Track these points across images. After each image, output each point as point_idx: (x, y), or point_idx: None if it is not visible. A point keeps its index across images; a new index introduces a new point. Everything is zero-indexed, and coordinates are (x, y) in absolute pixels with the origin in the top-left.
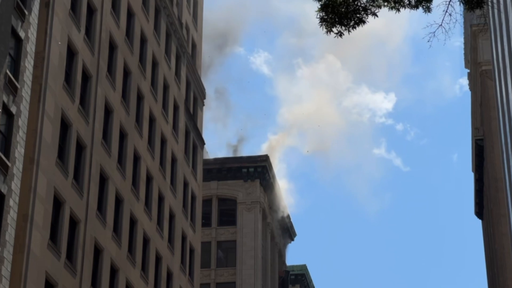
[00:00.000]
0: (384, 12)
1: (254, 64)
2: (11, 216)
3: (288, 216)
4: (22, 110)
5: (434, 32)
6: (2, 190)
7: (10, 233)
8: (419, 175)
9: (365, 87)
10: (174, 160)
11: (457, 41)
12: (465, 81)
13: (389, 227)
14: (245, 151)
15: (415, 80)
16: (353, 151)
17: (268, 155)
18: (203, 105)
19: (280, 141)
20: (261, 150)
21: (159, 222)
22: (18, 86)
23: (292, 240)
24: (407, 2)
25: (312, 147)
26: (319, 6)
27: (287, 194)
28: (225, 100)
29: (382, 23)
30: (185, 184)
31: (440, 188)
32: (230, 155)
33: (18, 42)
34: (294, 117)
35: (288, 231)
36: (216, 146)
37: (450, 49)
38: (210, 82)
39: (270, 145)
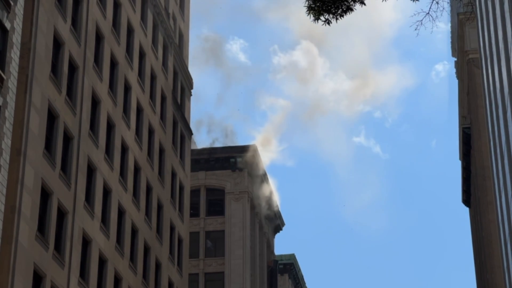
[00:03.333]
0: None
1: (230, 52)
2: None
3: (277, 206)
4: (9, 101)
5: (422, 20)
6: None
7: None
8: (398, 162)
9: (342, 73)
10: (162, 151)
11: (435, 27)
12: (441, 67)
13: (375, 216)
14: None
15: (393, 66)
16: (335, 139)
17: (257, 145)
18: (191, 95)
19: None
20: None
21: (147, 212)
22: (4, 77)
23: (281, 229)
24: None
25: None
26: None
27: (275, 184)
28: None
29: (363, 10)
30: (173, 175)
31: (422, 174)
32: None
33: (4, 33)
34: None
35: (276, 221)
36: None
37: (429, 35)
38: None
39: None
